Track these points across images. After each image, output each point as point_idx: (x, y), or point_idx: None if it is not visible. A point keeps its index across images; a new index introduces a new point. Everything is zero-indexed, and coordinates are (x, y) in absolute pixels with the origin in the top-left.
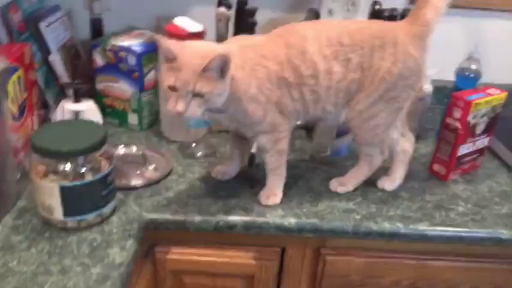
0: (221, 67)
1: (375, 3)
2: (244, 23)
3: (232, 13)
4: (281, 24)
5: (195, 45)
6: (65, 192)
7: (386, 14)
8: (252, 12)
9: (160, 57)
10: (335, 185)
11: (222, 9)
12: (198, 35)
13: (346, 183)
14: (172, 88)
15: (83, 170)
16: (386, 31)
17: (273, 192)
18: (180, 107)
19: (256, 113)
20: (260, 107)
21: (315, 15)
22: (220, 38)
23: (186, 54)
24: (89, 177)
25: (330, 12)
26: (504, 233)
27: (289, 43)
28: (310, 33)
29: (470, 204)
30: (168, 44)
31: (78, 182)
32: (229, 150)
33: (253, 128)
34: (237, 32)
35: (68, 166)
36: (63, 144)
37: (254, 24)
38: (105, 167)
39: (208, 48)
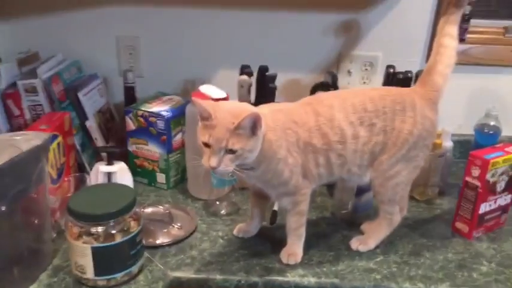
0: (252, 125)
1: (388, 66)
2: (265, 89)
3: (253, 79)
4: (299, 85)
5: (228, 105)
6: (96, 252)
7: (401, 76)
8: (273, 78)
9: (186, 120)
10: (356, 244)
11: (244, 76)
12: (222, 101)
13: (367, 242)
14: (206, 145)
15: (114, 231)
16: (405, 96)
17: (294, 251)
18: (213, 162)
19: (284, 174)
20: (288, 169)
21: (333, 77)
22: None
23: (220, 113)
24: (119, 238)
25: (349, 72)
26: None
27: (318, 111)
28: (336, 102)
29: (494, 264)
30: (203, 103)
31: (108, 243)
32: (250, 208)
33: (278, 188)
34: (258, 97)
35: (100, 228)
36: (96, 209)
37: (274, 89)
38: (134, 227)
39: (241, 108)
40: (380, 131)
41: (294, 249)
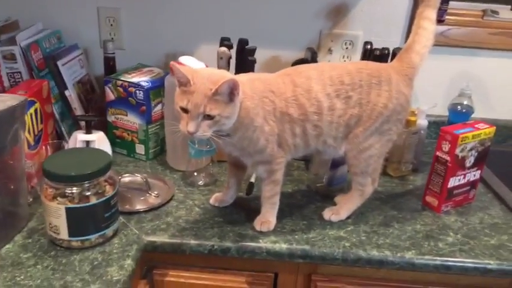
0: (229, 91)
1: (366, 43)
2: (245, 61)
3: (233, 52)
4: (280, 61)
5: (207, 71)
6: (70, 213)
7: (377, 53)
8: (252, 51)
9: (166, 91)
10: (328, 214)
11: (224, 48)
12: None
13: (339, 212)
14: (185, 110)
15: (88, 193)
16: (381, 70)
17: (267, 219)
18: (191, 127)
19: (260, 142)
20: (263, 137)
21: (312, 54)
22: None
23: (198, 79)
24: (93, 200)
25: (330, 50)
26: (491, 263)
27: (296, 82)
28: (314, 73)
29: (459, 235)
30: (182, 69)
31: (82, 204)
32: (227, 178)
33: (254, 156)
34: (238, 69)
35: (74, 189)
36: (71, 170)
37: (254, 62)
38: (109, 191)
39: (219, 74)
40: (356, 103)
41: (267, 217)
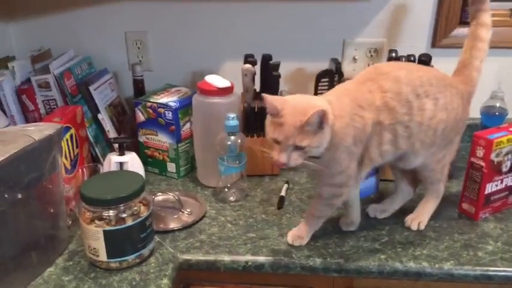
0: (318, 121)
1: (390, 51)
2: (269, 77)
3: (257, 68)
4: (305, 73)
5: (295, 100)
6: (108, 236)
7: (403, 60)
8: (276, 67)
9: (193, 110)
10: (414, 223)
11: (248, 65)
12: (226, 90)
13: (421, 219)
14: (276, 141)
15: (124, 215)
16: (456, 83)
17: (302, 234)
18: (282, 158)
19: (343, 164)
20: (348, 159)
21: (336, 64)
22: (246, 90)
23: (287, 110)
24: (129, 222)
25: (354, 59)
26: None
27: (383, 87)
28: (401, 74)
29: (500, 243)
30: (272, 100)
31: (119, 226)
32: (348, 203)
33: (331, 177)
34: (263, 85)
35: (111, 212)
36: (106, 194)
37: (278, 77)
38: (144, 212)
39: (308, 103)
40: (443, 107)
41: (303, 232)
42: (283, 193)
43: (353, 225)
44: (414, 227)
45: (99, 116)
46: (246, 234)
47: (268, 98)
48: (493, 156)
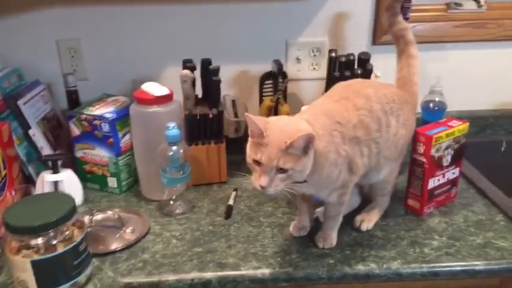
0: (304, 145)
1: (330, 51)
2: (210, 82)
3: (197, 73)
4: (248, 76)
5: (280, 122)
6: (36, 266)
7: (343, 59)
8: (216, 71)
9: (131, 120)
10: (364, 224)
11: (186, 71)
12: (165, 98)
13: (370, 219)
14: (257, 163)
15: (55, 241)
16: (409, 99)
17: (330, 235)
18: (263, 181)
19: (334, 174)
20: (337, 169)
21: (278, 65)
22: (187, 97)
23: (272, 131)
24: (61, 248)
25: (298, 59)
26: (478, 264)
27: (357, 105)
28: (370, 92)
29: (445, 237)
30: (255, 120)
31: (49, 255)
32: (297, 206)
33: (328, 187)
34: (204, 91)
35: (39, 240)
36: (33, 220)
37: (218, 82)
38: (78, 235)
39: (293, 125)
40: (403, 123)
41: (330, 233)
42: (231, 202)
43: (304, 230)
44: (364, 228)
45: (30, 132)
46: (192, 250)
47: (251, 117)
48: (433, 151)
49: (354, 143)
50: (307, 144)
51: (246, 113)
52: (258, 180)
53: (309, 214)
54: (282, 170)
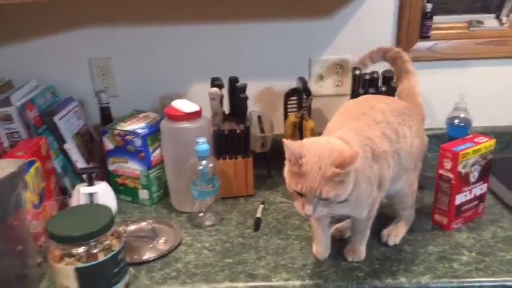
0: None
1: (354, 68)
2: (237, 99)
3: (224, 90)
4: (273, 93)
5: (318, 145)
6: (79, 273)
7: (367, 77)
8: (243, 89)
9: (162, 135)
10: (391, 238)
11: (214, 89)
12: (194, 114)
13: (397, 233)
14: (299, 193)
15: (95, 251)
16: (414, 109)
17: (358, 249)
18: (308, 211)
19: (367, 191)
20: (370, 185)
21: (303, 82)
22: (215, 113)
23: (309, 158)
24: (101, 257)
25: (321, 77)
26: (508, 280)
27: (376, 119)
28: (383, 106)
29: (474, 253)
30: (292, 146)
31: (91, 263)
32: (315, 229)
33: (359, 207)
34: (232, 107)
35: (81, 249)
36: (75, 230)
37: (246, 99)
38: (116, 245)
39: (332, 149)
40: (416, 134)
41: (358, 247)
42: (258, 214)
43: (328, 251)
44: (391, 242)
45: (66, 146)
46: (223, 260)
47: (287, 143)
48: (460, 167)
49: (382, 157)
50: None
51: (283, 139)
52: (302, 209)
53: (325, 236)
54: (324, 198)
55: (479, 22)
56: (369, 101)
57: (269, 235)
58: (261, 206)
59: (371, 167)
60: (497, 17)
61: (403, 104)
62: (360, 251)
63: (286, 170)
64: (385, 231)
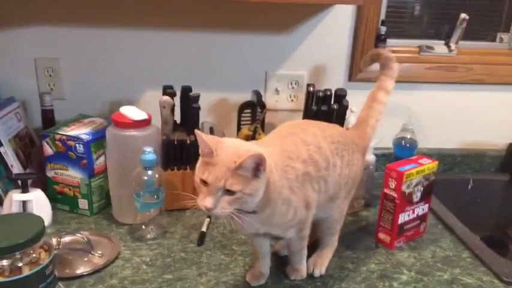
0: (254, 166)
1: (308, 85)
2: (189, 108)
3: (176, 99)
4: (227, 104)
5: (232, 143)
6: None
7: (320, 94)
8: (195, 99)
9: (107, 142)
10: (317, 269)
11: (166, 97)
12: (143, 122)
13: (323, 263)
14: (204, 182)
15: (20, 264)
16: (355, 139)
17: (299, 268)
18: (208, 202)
19: (289, 214)
20: (292, 208)
21: (257, 95)
22: (165, 122)
23: (222, 150)
24: (26, 271)
25: (276, 91)
26: None
27: (306, 141)
28: (316, 131)
29: (413, 272)
30: (206, 139)
31: (13, 277)
32: (254, 250)
33: (284, 226)
34: (183, 116)
35: (4, 262)
36: None
37: (198, 109)
38: (44, 258)
39: (245, 147)
40: (346, 164)
41: (299, 266)
42: (204, 228)
43: (263, 277)
44: (317, 273)
45: (1, 150)
46: (162, 276)
47: (201, 135)
48: (404, 187)
49: (306, 180)
50: (258, 166)
51: (195, 130)
52: (203, 200)
53: (268, 260)
54: (229, 192)
55: (430, 47)
56: (304, 124)
57: (213, 250)
58: (207, 219)
59: (291, 189)
60: (447, 44)
61: (339, 132)
62: (301, 269)
63: (199, 162)
64: (310, 261)
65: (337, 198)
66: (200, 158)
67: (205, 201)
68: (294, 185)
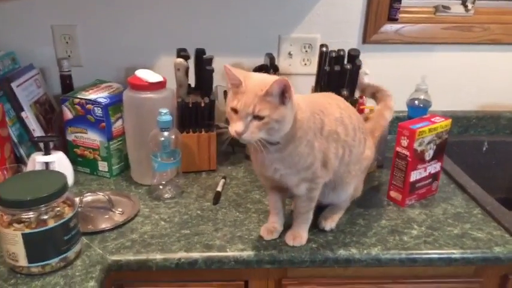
0: (280, 92)
1: (321, 45)
2: (203, 71)
3: (191, 62)
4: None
5: (260, 75)
6: (27, 239)
7: (333, 54)
8: (209, 61)
9: (124, 106)
10: (327, 223)
11: (180, 59)
12: (158, 84)
13: (334, 219)
14: (235, 110)
15: (46, 217)
16: (371, 131)
17: (300, 234)
18: (239, 127)
19: (309, 158)
20: (313, 153)
21: (271, 59)
22: (180, 85)
23: (250, 80)
24: (51, 224)
25: (290, 54)
26: (455, 253)
27: (341, 106)
28: (349, 105)
29: (424, 227)
30: (234, 71)
31: (39, 229)
32: (270, 205)
33: (300, 173)
34: (198, 81)
35: (31, 214)
36: (25, 195)
37: (212, 71)
38: (68, 213)
39: (271, 77)
40: (369, 146)
41: (300, 232)
42: (219, 188)
43: (277, 232)
44: (328, 227)
45: (23, 114)
46: (180, 231)
47: (230, 68)
48: (416, 145)
49: (333, 139)
50: (283, 92)
51: (224, 65)
52: (234, 125)
53: (283, 215)
54: (258, 118)
55: (446, 7)
56: (336, 96)
57: (228, 208)
58: (222, 180)
59: (316, 135)
60: (463, 3)
61: (362, 121)
62: (301, 236)
63: (229, 94)
64: (321, 217)
65: (354, 175)
66: (229, 91)
67: (236, 126)
68: (318, 135)
